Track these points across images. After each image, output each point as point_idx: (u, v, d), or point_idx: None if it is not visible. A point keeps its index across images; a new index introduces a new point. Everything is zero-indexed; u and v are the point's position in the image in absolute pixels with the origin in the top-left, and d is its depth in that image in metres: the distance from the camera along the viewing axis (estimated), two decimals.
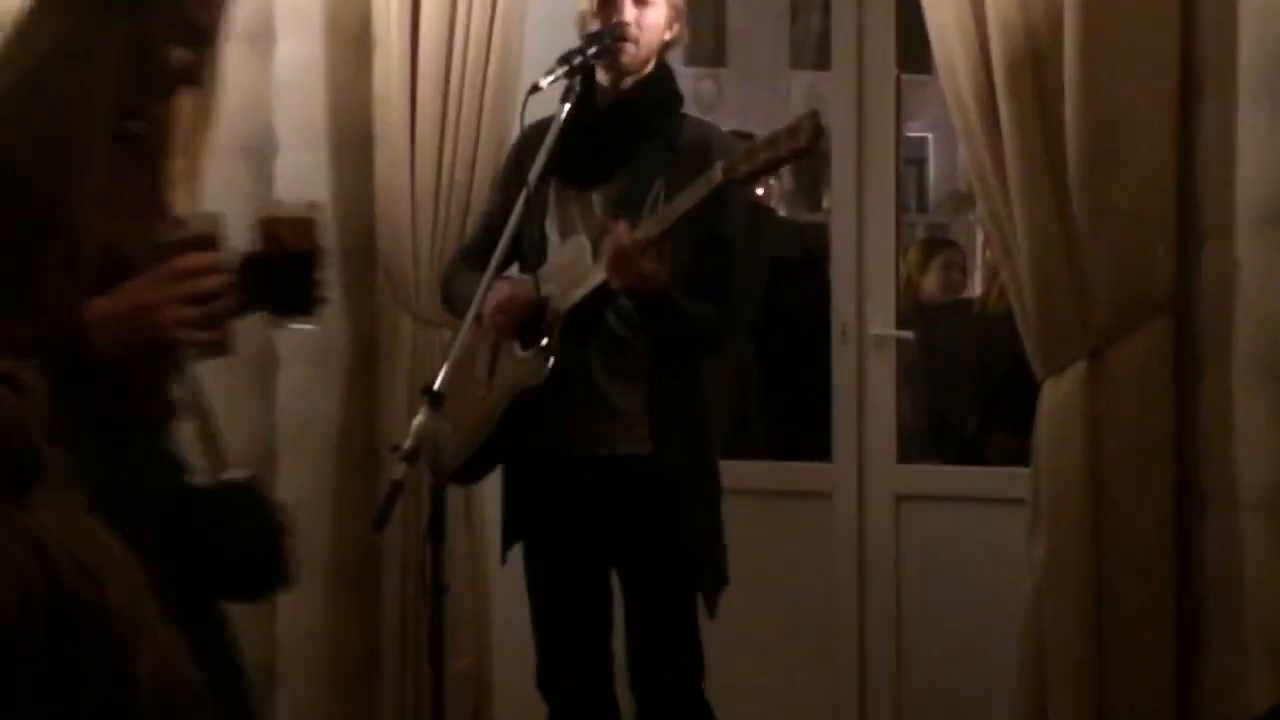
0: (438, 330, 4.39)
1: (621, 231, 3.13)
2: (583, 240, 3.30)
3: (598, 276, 3.17)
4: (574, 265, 3.28)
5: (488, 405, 3.38)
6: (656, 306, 3.21)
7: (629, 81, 3.35)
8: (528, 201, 3.19)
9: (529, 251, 3.39)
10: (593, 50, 3.27)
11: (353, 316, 4.62)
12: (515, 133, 3.57)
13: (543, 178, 3.29)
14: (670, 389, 3.32)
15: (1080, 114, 3.53)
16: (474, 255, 3.52)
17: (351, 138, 4.62)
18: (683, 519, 3.32)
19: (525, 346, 3.33)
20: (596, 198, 3.37)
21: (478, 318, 3.18)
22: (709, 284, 3.29)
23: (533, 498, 3.44)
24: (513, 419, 3.33)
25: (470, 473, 3.54)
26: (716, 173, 3.05)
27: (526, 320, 3.31)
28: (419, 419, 2.93)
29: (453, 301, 3.59)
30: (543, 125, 3.33)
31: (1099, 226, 3.56)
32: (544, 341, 3.26)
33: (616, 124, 3.34)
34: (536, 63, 3.72)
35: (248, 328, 4.39)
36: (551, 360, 3.22)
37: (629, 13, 3.31)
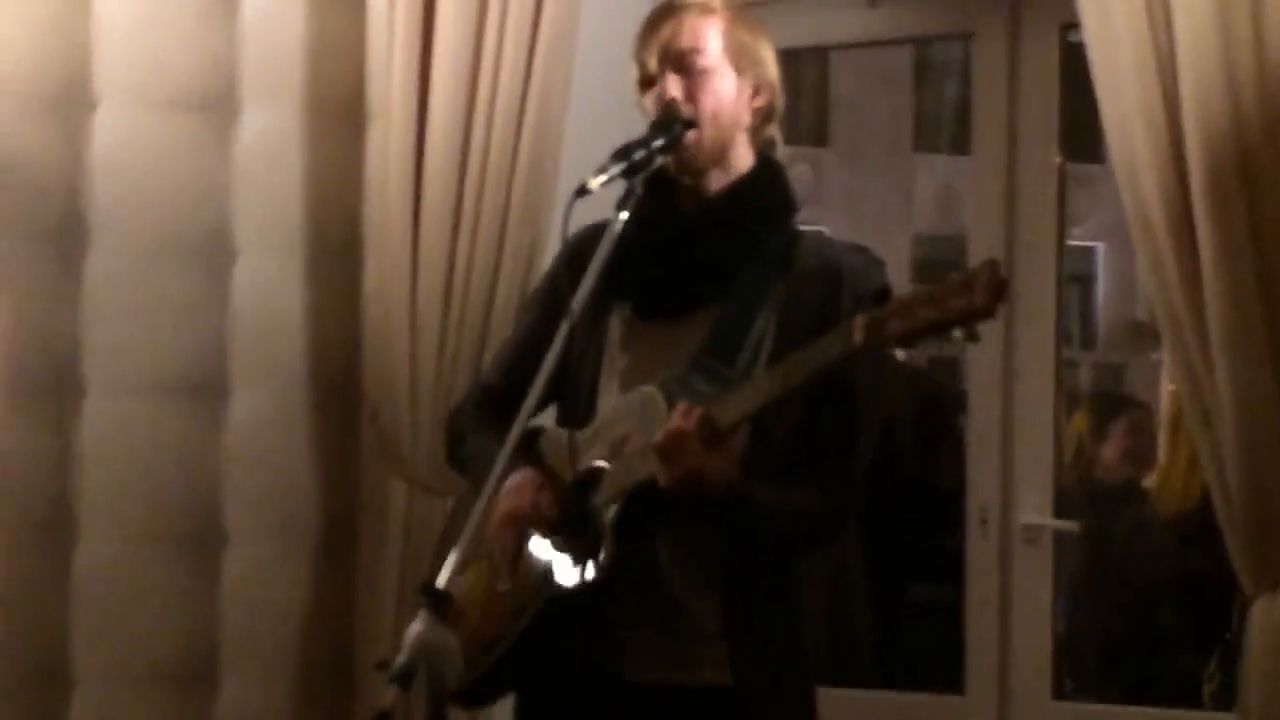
0: (443, 500, 4.40)
1: (686, 413, 3.12)
2: (652, 393, 3.28)
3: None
4: (640, 428, 3.27)
5: (510, 607, 3.37)
6: (724, 510, 3.20)
7: (720, 182, 3.36)
8: (573, 332, 3.19)
9: (571, 399, 3.39)
10: (659, 142, 3.28)
11: (327, 479, 4.66)
12: (552, 241, 3.56)
13: (601, 303, 3.31)
14: (756, 597, 3.31)
15: None
16: (495, 399, 3.51)
17: (334, 240, 4.70)
18: None
19: (567, 530, 3.32)
20: (675, 335, 3.36)
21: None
22: (821, 457, 3.27)
23: None
24: (543, 629, 3.33)
25: (478, 694, 3.53)
26: (855, 331, 2.98)
27: (568, 501, 3.31)
28: (416, 627, 2.87)
29: (465, 465, 3.58)
30: (605, 229, 3.34)
31: None
32: (593, 531, 3.25)
33: (708, 238, 3.33)
34: (583, 149, 3.75)
35: (181, 495, 4.49)
36: (603, 558, 3.21)
37: (674, 86, 3.31)
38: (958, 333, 2.89)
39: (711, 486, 3.09)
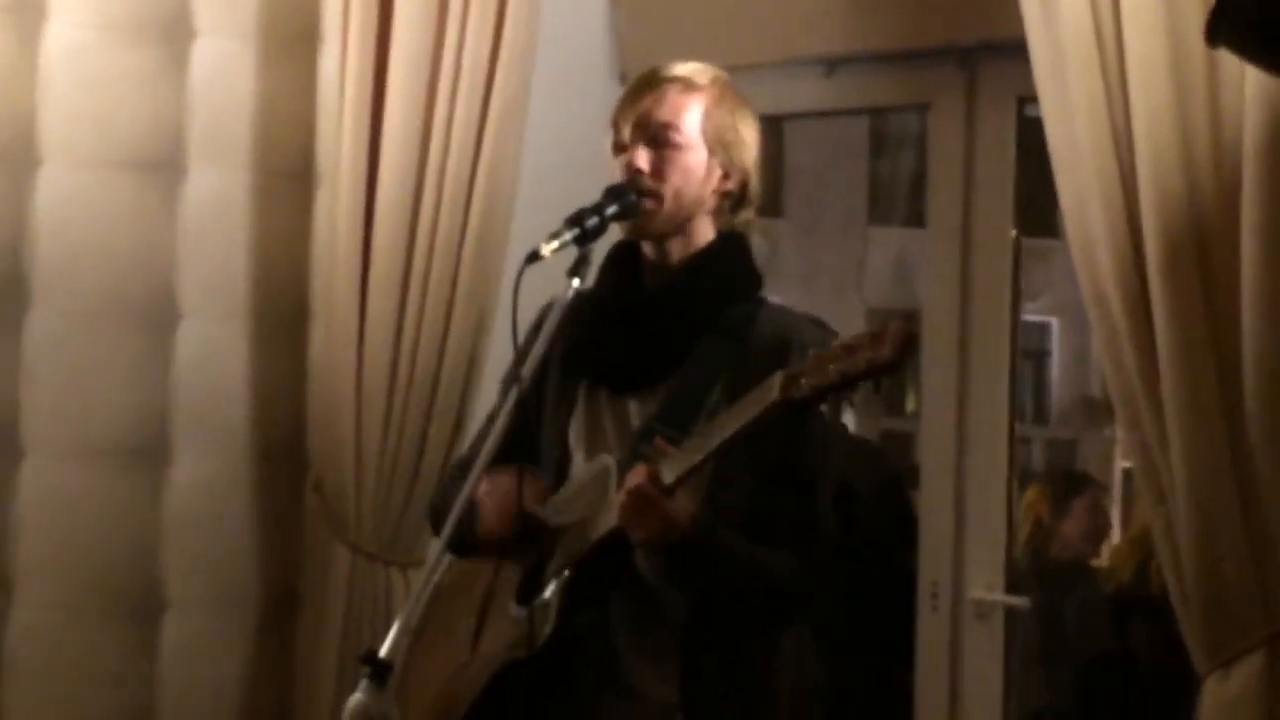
0: (386, 570, 4.42)
1: (638, 472, 3.14)
2: (607, 461, 3.31)
3: (613, 517, 3.19)
4: (593, 493, 3.29)
5: (464, 679, 3.37)
6: (697, 559, 3.20)
7: (681, 253, 3.37)
8: (525, 402, 3.21)
9: (545, 468, 3.41)
10: (612, 209, 3.29)
11: (269, 546, 4.65)
12: (501, 310, 3.56)
13: (570, 376, 3.34)
14: (716, 667, 3.30)
15: (1261, 317, 3.53)
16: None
17: (280, 304, 4.70)
18: None
19: (524, 599, 3.33)
20: (634, 406, 3.38)
21: (460, 543, 3.21)
22: (785, 529, 3.28)
23: None
24: (491, 703, 3.29)
25: None
26: (772, 388, 3.06)
27: (527, 555, 3.33)
28: (356, 698, 2.89)
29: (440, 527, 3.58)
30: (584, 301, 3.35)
31: None
32: (544, 595, 3.26)
33: (668, 313, 3.35)
34: (533, 217, 3.76)
35: (120, 561, 4.46)
36: (550, 624, 3.22)
37: (642, 158, 3.33)
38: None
39: (679, 526, 3.11)
